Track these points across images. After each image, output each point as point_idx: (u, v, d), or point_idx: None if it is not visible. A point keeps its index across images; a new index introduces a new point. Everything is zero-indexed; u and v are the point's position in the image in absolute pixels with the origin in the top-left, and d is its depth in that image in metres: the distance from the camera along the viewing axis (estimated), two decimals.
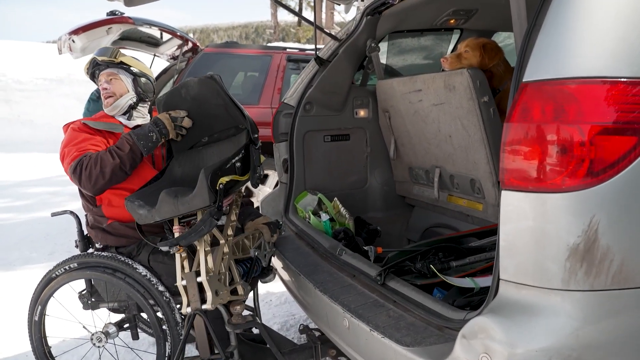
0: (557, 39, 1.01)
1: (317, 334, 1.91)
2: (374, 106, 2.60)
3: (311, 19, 2.33)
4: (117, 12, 4.12)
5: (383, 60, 2.99)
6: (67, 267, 1.86)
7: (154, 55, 5.39)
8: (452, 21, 2.71)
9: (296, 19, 17.67)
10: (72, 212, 2.01)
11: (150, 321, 1.79)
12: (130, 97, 1.97)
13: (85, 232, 2.00)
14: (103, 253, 1.85)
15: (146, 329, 2.22)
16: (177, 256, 1.66)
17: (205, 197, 1.49)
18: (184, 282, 1.62)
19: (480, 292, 1.49)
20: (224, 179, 1.56)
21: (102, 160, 1.72)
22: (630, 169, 0.95)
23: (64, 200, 5.85)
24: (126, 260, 1.80)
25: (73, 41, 4.00)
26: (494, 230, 1.98)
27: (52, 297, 1.90)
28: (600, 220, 0.95)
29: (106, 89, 1.94)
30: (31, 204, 5.91)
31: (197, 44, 4.51)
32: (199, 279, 1.60)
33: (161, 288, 1.78)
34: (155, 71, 5.76)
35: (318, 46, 2.51)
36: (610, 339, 1.00)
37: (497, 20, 2.78)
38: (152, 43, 5.14)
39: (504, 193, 1.04)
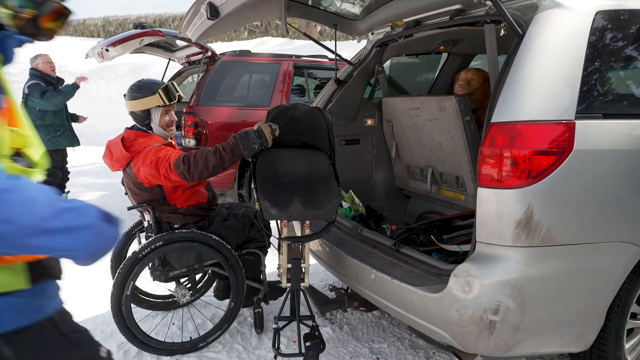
0: (511, 94, 1.67)
1: (342, 291, 2.57)
2: (379, 116, 3.25)
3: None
4: (145, 25, 4.63)
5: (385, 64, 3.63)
6: (153, 246, 2.38)
7: (169, 59, 5.92)
8: (441, 47, 3.37)
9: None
10: (147, 204, 2.51)
11: (226, 269, 2.48)
12: None
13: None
14: (183, 230, 2.46)
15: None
16: (285, 245, 2.18)
17: (332, 215, 2.07)
18: (289, 266, 2.18)
19: (463, 254, 2.15)
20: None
21: (207, 157, 2.17)
22: (552, 175, 1.62)
23: (78, 192, 6.24)
24: (203, 232, 2.47)
25: (107, 50, 4.50)
26: (472, 214, 2.66)
27: (141, 274, 2.39)
28: (535, 205, 1.62)
29: (175, 119, 2.53)
30: None
31: (216, 53, 5.06)
32: (303, 265, 2.17)
33: (229, 247, 2.48)
34: (169, 74, 6.29)
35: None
36: (540, 275, 1.67)
37: (477, 46, 3.46)
38: (168, 48, 5.68)
39: (479, 189, 1.70)
